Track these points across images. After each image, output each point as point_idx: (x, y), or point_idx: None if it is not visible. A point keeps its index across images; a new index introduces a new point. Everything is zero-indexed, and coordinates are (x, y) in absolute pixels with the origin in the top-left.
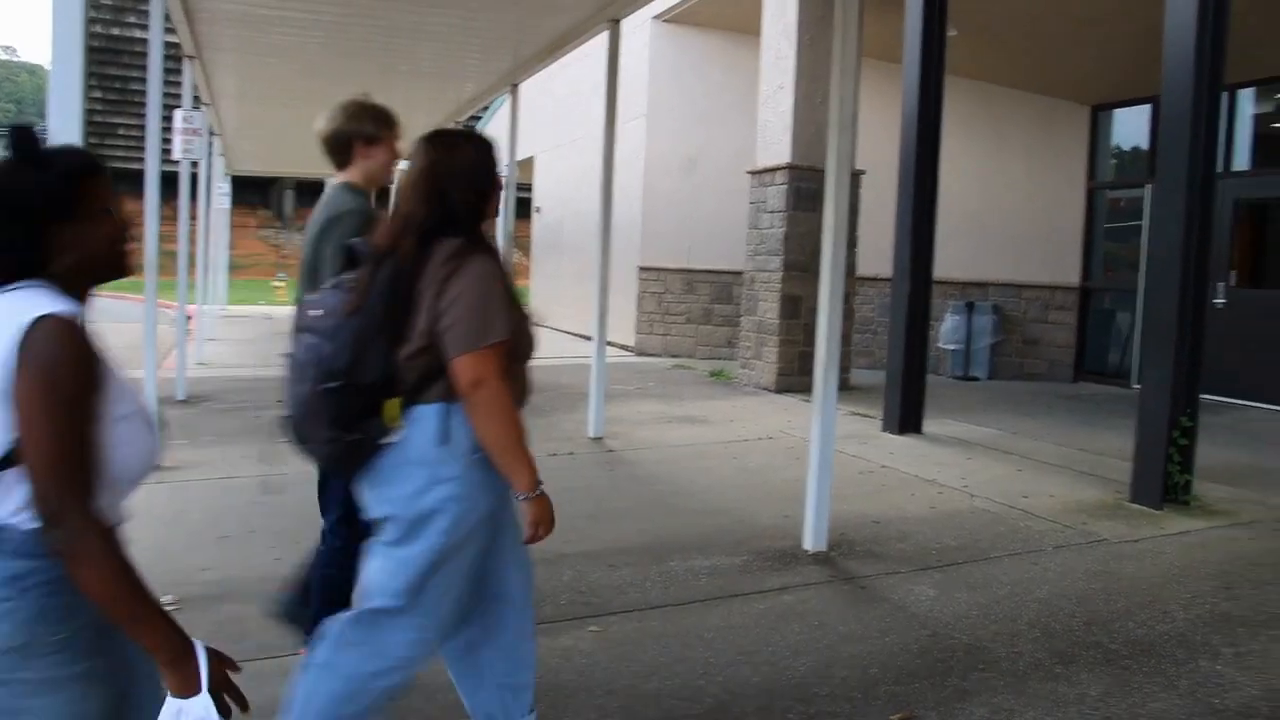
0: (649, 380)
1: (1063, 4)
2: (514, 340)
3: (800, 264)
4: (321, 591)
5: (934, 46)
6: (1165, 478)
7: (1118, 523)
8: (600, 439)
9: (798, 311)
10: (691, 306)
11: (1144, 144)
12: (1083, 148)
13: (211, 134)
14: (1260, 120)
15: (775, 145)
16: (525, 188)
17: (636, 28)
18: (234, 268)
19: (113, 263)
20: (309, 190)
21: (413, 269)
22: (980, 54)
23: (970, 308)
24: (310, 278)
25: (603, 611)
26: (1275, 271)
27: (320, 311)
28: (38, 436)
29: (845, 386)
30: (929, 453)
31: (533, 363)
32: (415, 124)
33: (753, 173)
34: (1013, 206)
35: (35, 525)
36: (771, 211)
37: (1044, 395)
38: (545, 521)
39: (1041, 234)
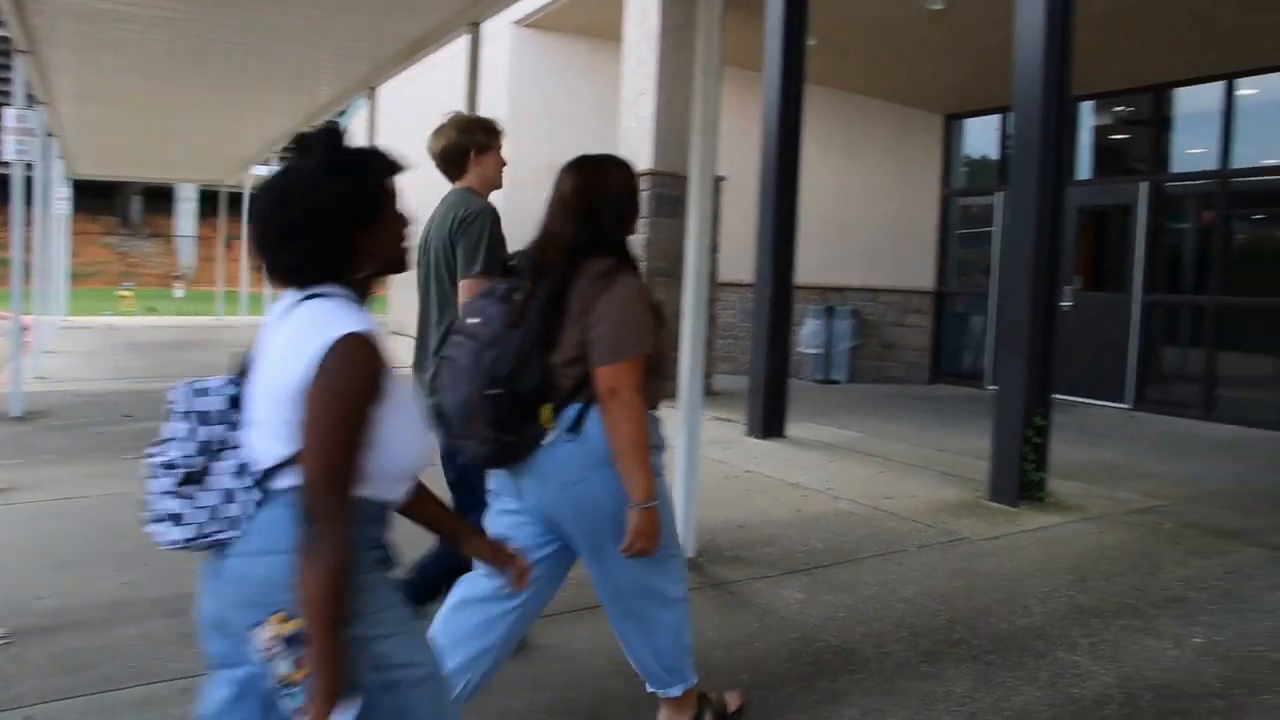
0: None
1: (916, 17)
2: (653, 355)
3: (663, 270)
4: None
5: (794, 55)
6: (1021, 476)
7: (977, 520)
8: None
9: (662, 318)
10: None
11: (994, 153)
12: (937, 156)
13: (49, 135)
14: (1100, 131)
15: (637, 151)
16: None
17: (497, 32)
18: (75, 276)
19: (399, 262)
20: (158, 195)
21: (563, 285)
22: (838, 63)
23: (830, 312)
24: (438, 273)
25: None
26: (1114, 276)
27: (480, 320)
28: (316, 443)
29: (709, 392)
30: (793, 456)
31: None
32: (270, 128)
33: None
34: (870, 213)
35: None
36: None
37: (902, 397)
38: (647, 535)
39: (898, 239)
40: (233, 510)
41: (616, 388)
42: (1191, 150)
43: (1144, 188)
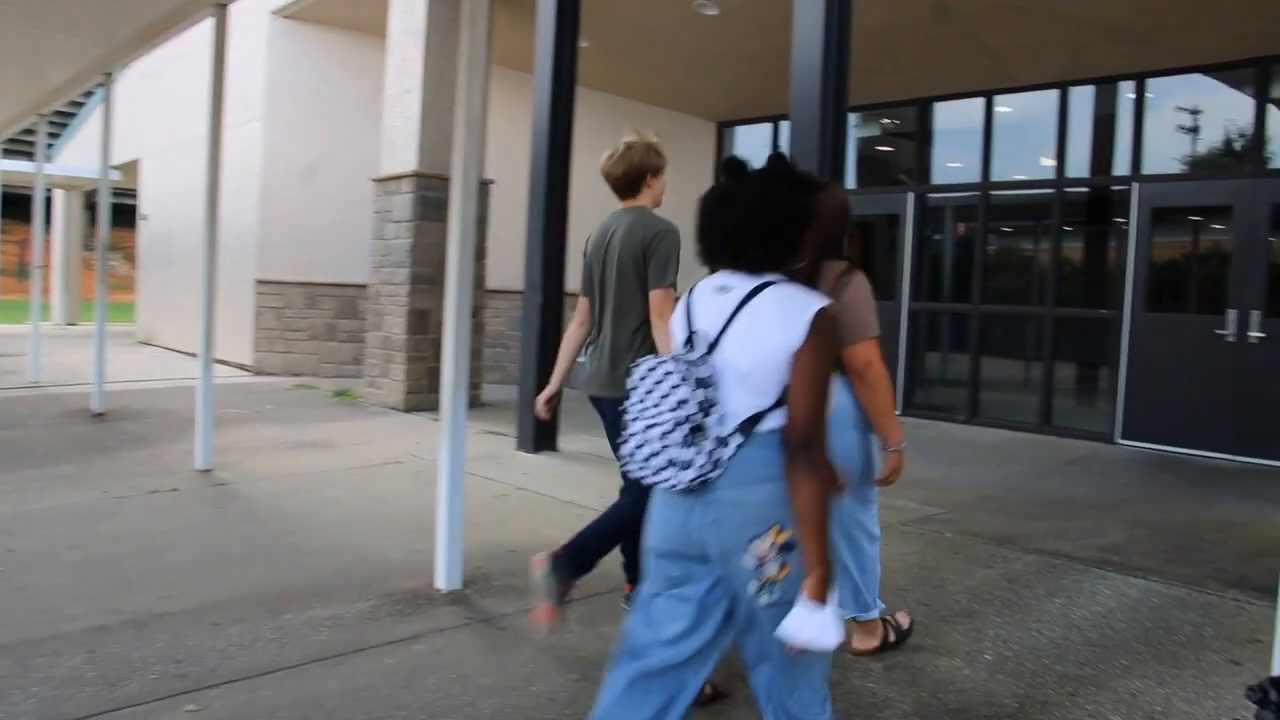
0: (267, 403)
1: (690, 22)
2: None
3: (428, 276)
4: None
5: (566, 56)
6: None
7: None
8: (209, 471)
9: (426, 326)
10: (315, 322)
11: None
12: (709, 163)
13: None
14: (865, 143)
15: (402, 152)
16: (128, 193)
17: (253, 23)
18: None
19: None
20: None
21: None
22: (611, 67)
23: None
24: (623, 280)
25: (204, 684)
26: (884, 284)
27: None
28: (811, 389)
29: (477, 404)
30: (566, 471)
31: (144, 386)
32: None
33: (378, 180)
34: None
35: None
36: (397, 221)
37: None
38: (898, 470)
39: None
40: (724, 453)
41: (870, 361)
42: (954, 163)
43: (910, 198)
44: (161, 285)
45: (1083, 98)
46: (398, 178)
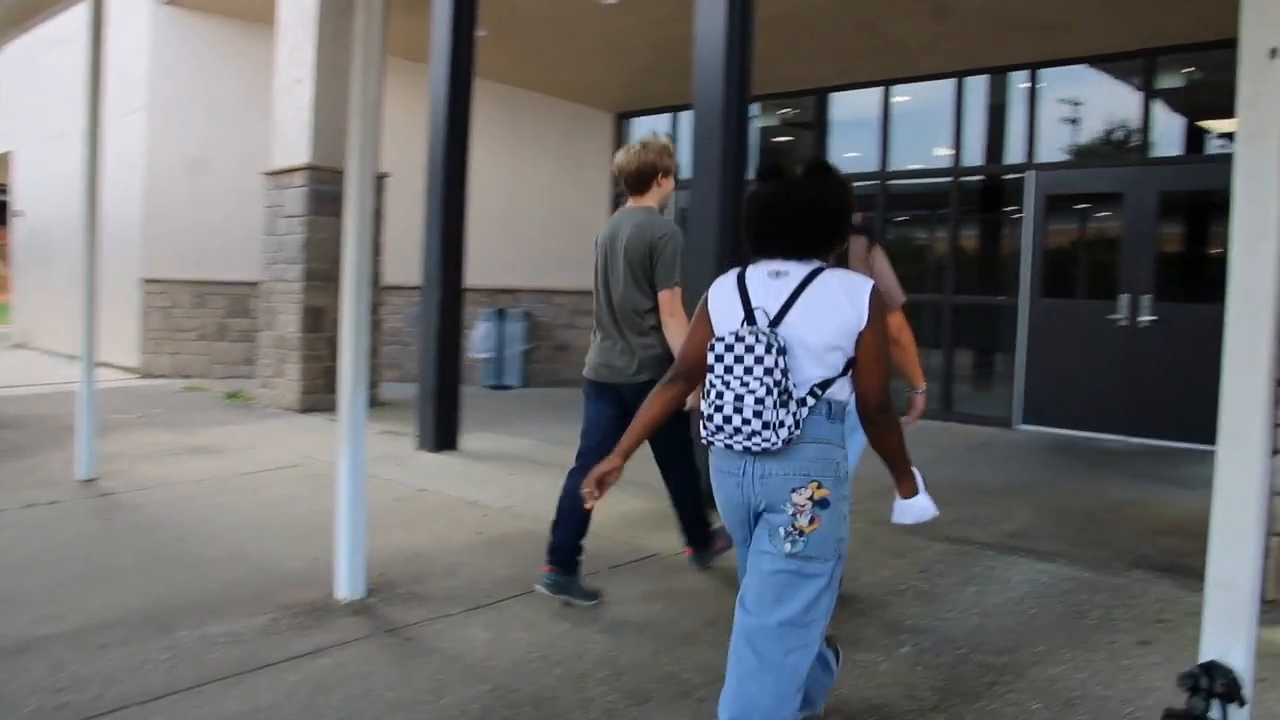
0: (156, 406)
1: (589, 12)
2: None
3: (322, 273)
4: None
5: (463, 46)
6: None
7: (668, 534)
8: (93, 481)
9: (321, 324)
10: (205, 321)
11: None
12: (607, 154)
13: None
14: (763, 133)
15: (293, 144)
16: None
17: (135, 10)
18: None
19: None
20: None
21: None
22: (507, 57)
23: (501, 315)
24: (632, 274)
25: (88, 714)
26: None
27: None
28: (879, 357)
29: (375, 403)
30: (469, 471)
31: (20, 391)
32: None
33: (269, 174)
34: (541, 212)
35: (856, 406)
36: (290, 216)
37: (578, 401)
38: (924, 411)
39: (570, 239)
40: (803, 414)
41: (901, 325)
42: (852, 153)
43: None
44: (39, 284)
45: (979, 87)
46: (290, 171)
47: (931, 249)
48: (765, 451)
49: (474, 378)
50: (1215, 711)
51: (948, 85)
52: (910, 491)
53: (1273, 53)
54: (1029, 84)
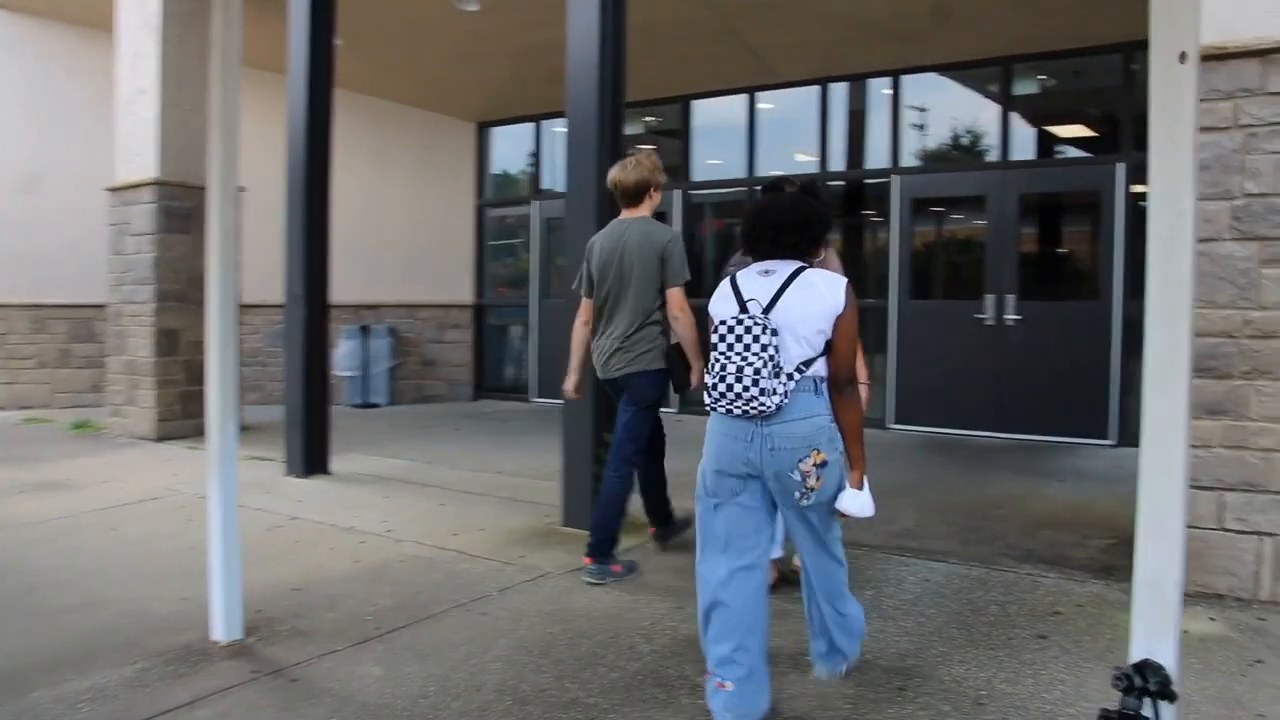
0: None
1: (449, 20)
2: None
3: (176, 293)
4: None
5: (322, 55)
6: (594, 496)
7: (556, 551)
8: None
9: (176, 347)
10: (44, 348)
11: (529, 162)
12: (470, 165)
13: None
14: (629, 141)
15: (139, 157)
16: None
17: None
18: None
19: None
20: None
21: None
22: (365, 66)
23: (365, 331)
24: (642, 279)
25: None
26: None
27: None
28: (850, 342)
29: (238, 427)
30: (343, 495)
31: None
32: None
33: (113, 189)
34: (403, 225)
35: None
36: (138, 234)
37: (449, 417)
38: (868, 401)
39: (433, 253)
40: (790, 387)
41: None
42: (718, 160)
43: (676, 196)
44: None
45: (844, 94)
46: (136, 186)
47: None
48: (765, 417)
49: (339, 397)
50: (1148, 709)
51: (812, 92)
52: (858, 482)
53: (1182, 56)
54: (891, 90)
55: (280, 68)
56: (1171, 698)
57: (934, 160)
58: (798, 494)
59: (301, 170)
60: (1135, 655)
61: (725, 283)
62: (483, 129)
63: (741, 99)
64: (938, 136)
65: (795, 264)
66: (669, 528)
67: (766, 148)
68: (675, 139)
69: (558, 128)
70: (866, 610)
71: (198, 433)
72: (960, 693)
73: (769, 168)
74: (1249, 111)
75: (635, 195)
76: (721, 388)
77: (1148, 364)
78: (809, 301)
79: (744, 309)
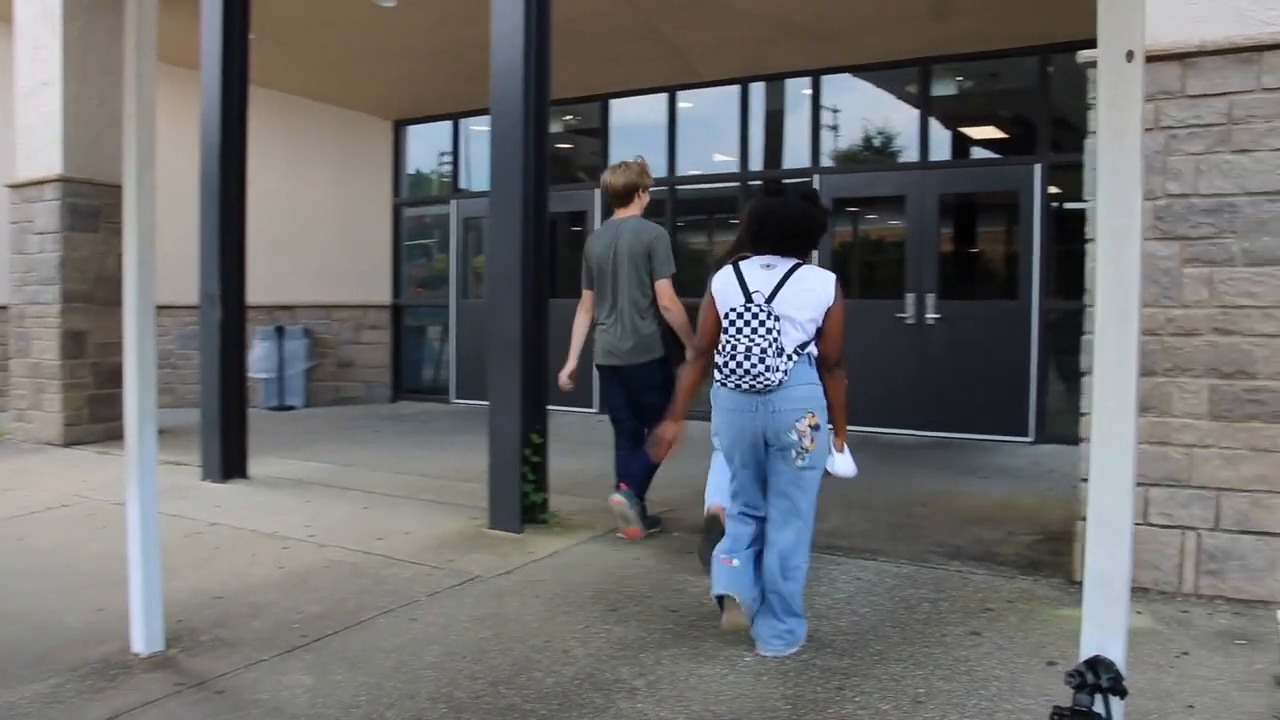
0: None
1: (365, 15)
2: None
3: (83, 294)
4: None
5: (236, 49)
6: (523, 499)
7: (485, 554)
8: None
9: (84, 349)
10: None
11: (447, 161)
12: (387, 164)
13: None
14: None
15: (42, 153)
16: None
17: None
18: None
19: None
20: None
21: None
22: (280, 62)
23: (280, 332)
24: (636, 271)
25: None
26: (575, 282)
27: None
28: (836, 333)
29: None
30: (263, 500)
31: None
32: None
33: (13, 186)
34: (319, 225)
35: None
36: (42, 233)
37: (367, 419)
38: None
39: (350, 252)
40: (789, 365)
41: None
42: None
43: (597, 195)
44: None
45: (765, 93)
46: (39, 183)
47: (720, 254)
48: (768, 389)
49: (254, 399)
50: (1099, 705)
51: (732, 91)
52: (840, 447)
53: (1129, 55)
54: (811, 91)
55: (191, 63)
56: (1122, 693)
57: (854, 160)
58: (794, 453)
59: (216, 167)
60: (1086, 651)
61: (729, 271)
62: (400, 127)
63: (661, 98)
64: (858, 137)
65: (792, 261)
66: (645, 520)
67: (687, 147)
68: (594, 138)
69: (477, 126)
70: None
71: (108, 437)
72: (899, 691)
73: (689, 167)
74: (1170, 114)
75: (625, 196)
76: (732, 364)
77: (1097, 363)
78: (804, 294)
79: (749, 299)
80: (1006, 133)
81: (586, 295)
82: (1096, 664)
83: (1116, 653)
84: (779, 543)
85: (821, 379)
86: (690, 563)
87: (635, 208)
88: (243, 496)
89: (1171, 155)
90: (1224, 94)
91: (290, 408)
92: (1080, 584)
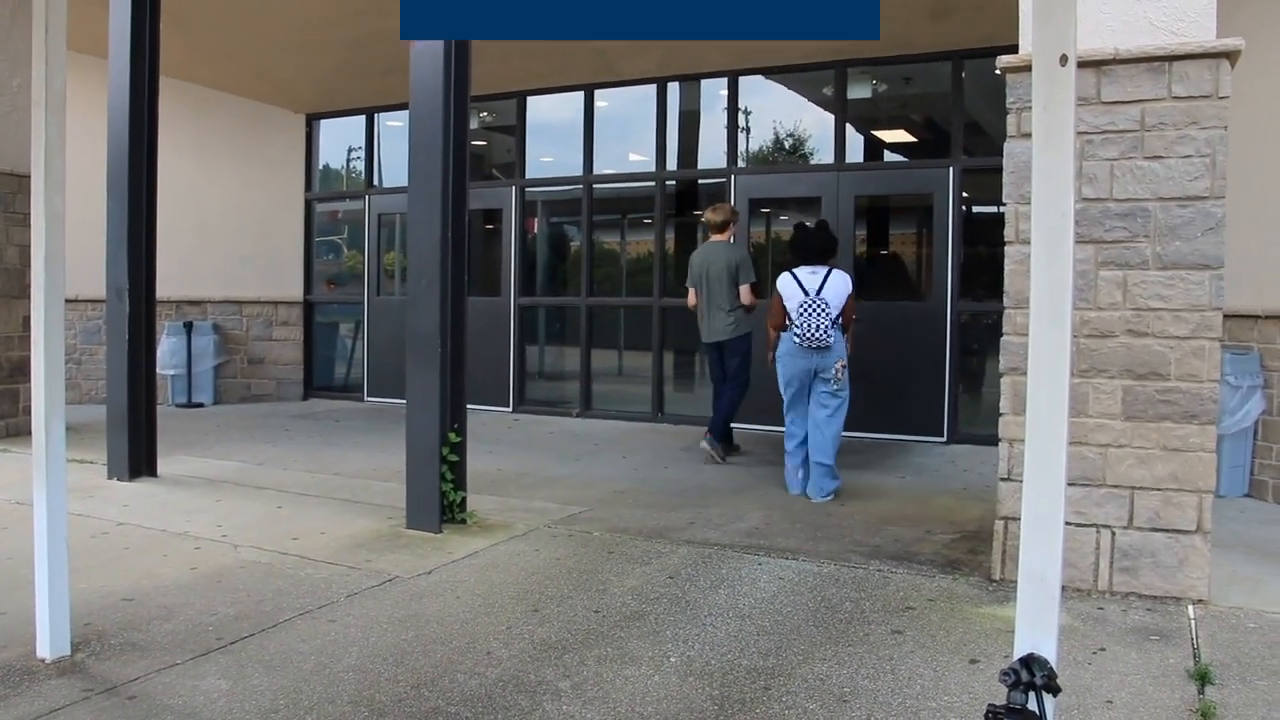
0: None
1: (276, 4)
2: None
3: None
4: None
5: (146, 37)
6: (441, 498)
7: (403, 554)
8: None
9: None
10: None
11: (360, 155)
12: (299, 158)
13: None
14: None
15: None
16: None
17: None
18: None
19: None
20: None
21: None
22: (189, 52)
23: (189, 328)
24: (722, 283)
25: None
26: (489, 279)
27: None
28: (850, 308)
29: None
30: (172, 499)
31: None
32: None
33: None
34: (229, 219)
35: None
36: None
37: (279, 417)
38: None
39: (260, 247)
40: (834, 332)
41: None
42: (554, 157)
43: (513, 192)
44: None
45: (682, 93)
46: None
47: (638, 252)
48: (824, 347)
49: (162, 396)
50: (1033, 703)
51: (650, 90)
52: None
53: (1063, 59)
54: (727, 91)
55: (99, 51)
56: (1056, 690)
57: (770, 161)
58: (833, 384)
59: (125, 160)
60: (1020, 649)
61: (789, 276)
62: (312, 121)
63: (578, 96)
64: (775, 138)
65: (825, 267)
66: (720, 444)
67: (604, 146)
68: (509, 135)
69: (392, 121)
70: (723, 610)
71: (5, 434)
72: (825, 690)
73: (606, 166)
74: (1085, 119)
75: (721, 227)
76: (807, 334)
77: (1032, 364)
78: (837, 288)
79: (807, 294)
80: (920, 136)
81: (692, 292)
82: (1031, 661)
83: (1049, 649)
84: (830, 426)
85: (842, 333)
86: (612, 563)
87: (726, 235)
88: (152, 495)
89: (1087, 160)
90: (1137, 101)
91: (199, 405)
92: (999, 582)
